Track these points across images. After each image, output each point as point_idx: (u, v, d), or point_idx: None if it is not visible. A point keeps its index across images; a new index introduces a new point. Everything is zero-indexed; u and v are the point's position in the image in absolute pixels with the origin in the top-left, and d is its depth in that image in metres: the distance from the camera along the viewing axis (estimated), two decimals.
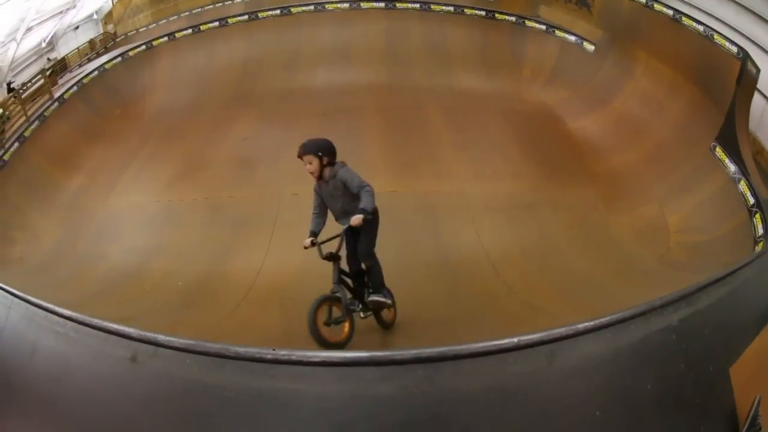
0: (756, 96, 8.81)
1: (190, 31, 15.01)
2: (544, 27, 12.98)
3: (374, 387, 2.44)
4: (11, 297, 4.93)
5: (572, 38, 12.42)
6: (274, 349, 2.58)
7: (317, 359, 2.62)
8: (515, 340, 2.49)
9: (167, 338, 3.01)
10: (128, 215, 9.29)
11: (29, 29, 27.38)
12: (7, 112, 14.70)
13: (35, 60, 31.75)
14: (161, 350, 3.02)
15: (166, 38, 15.11)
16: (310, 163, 4.62)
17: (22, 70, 30.09)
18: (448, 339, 2.86)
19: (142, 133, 12.39)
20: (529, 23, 13.20)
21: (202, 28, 14.84)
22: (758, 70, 8.30)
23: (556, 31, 12.73)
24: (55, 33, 32.22)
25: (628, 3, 11.57)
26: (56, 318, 4.19)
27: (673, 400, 2.59)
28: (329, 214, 4.87)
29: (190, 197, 9.16)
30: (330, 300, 4.50)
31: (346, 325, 4.52)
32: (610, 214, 7.60)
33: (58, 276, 7.82)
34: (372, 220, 4.49)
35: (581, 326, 2.62)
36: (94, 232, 9.20)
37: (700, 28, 9.47)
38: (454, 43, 13.33)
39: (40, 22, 28.98)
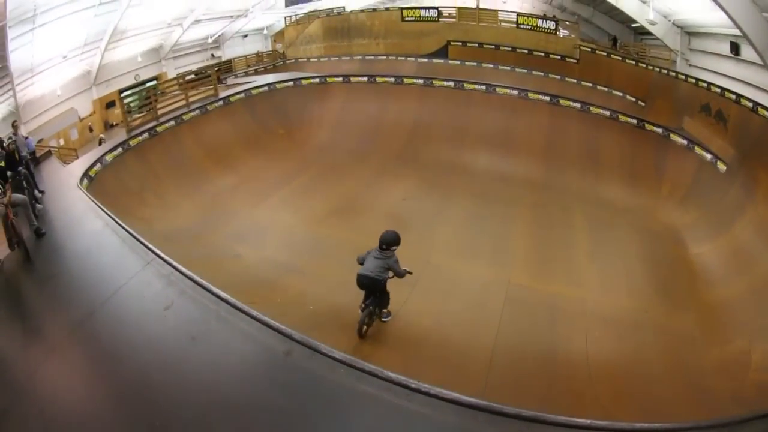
0: None
1: (365, 78, 15.91)
2: (685, 142, 12.83)
3: (483, 428, 3.44)
4: (152, 255, 5.63)
5: (708, 156, 12.14)
6: (418, 381, 3.68)
7: (447, 397, 3.56)
8: (588, 421, 3.53)
9: (328, 347, 3.97)
10: (273, 230, 9.82)
11: (197, 21, 30.27)
12: (160, 90, 16.06)
13: (198, 51, 34.96)
14: (318, 356, 3.93)
15: (341, 79, 16.01)
16: (389, 244, 6.48)
17: (183, 55, 33.20)
18: None
19: (304, 160, 13.21)
20: (673, 137, 13.10)
21: (378, 80, 15.70)
22: None
23: (696, 148, 12.53)
24: (223, 33, 35.45)
25: (757, 118, 11.34)
26: (207, 293, 4.86)
27: None
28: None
29: (339, 235, 9.60)
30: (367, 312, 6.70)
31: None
32: (705, 345, 7.45)
33: (185, 252, 8.13)
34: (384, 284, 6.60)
35: (638, 425, 3.61)
36: (233, 231, 9.75)
37: None
38: (606, 148, 13.51)
39: (210, 19, 32.01)
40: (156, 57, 31.09)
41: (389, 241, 6.57)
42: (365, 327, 6.88)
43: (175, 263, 5.34)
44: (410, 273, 6.74)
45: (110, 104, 27.54)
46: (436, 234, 9.94)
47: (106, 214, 6.95)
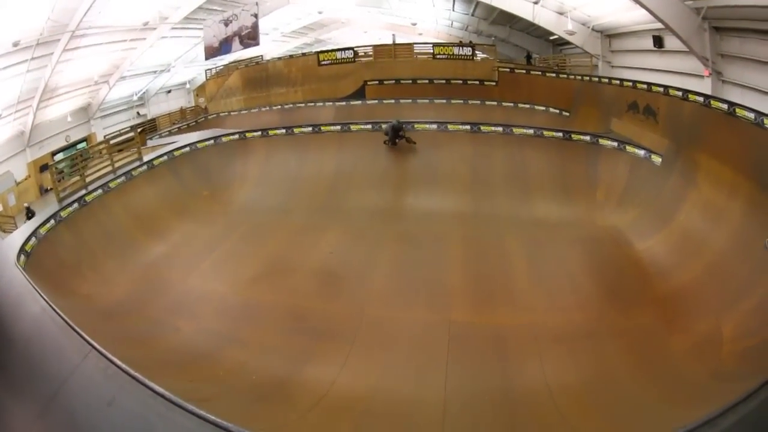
0: None
1: (283, 131, 15.95)
2: (615, 144, 13.07)
3: None
4: (89, 346, 5.44)
5: (641, 152, 12.39)
6: None
7: None
8: None
9: None
10: (207, 299, 9.58)
11: (123, 78, 29.98)
12: (90, 153, 15.73)
13: (125, 110, 34.52)
14: None
15: (259, 133, 16.01)
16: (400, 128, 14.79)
17: (111, 114, 32.70)
18: None
19: (230, 221, 13.04)
20: (602, 141, 13.34)
21: (296, 131, 15.77)
22: None
23: (627, 147, 12.77)
24: (147, 90, 35.10)
25: (688, 105, 11.55)
26: (146, 389, 4.79)
27: None
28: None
29: (271, 299, 9.48)
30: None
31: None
32: (669, 335, 7.46)
33: (126, 330, 8.14)
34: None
35: None
36: (169, 303, 9.51)
37: (752, 115, 9.24)
38: (534, 167, 13.66)
39: (134, 75, 31.73)
40: (85, 116, 30.78)
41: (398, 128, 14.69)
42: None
43: (110, 356, 5.20)
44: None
45: (44, 167, 26.75)
46: (368, 284, 9.83)
47: (42, 298, 6.64)
